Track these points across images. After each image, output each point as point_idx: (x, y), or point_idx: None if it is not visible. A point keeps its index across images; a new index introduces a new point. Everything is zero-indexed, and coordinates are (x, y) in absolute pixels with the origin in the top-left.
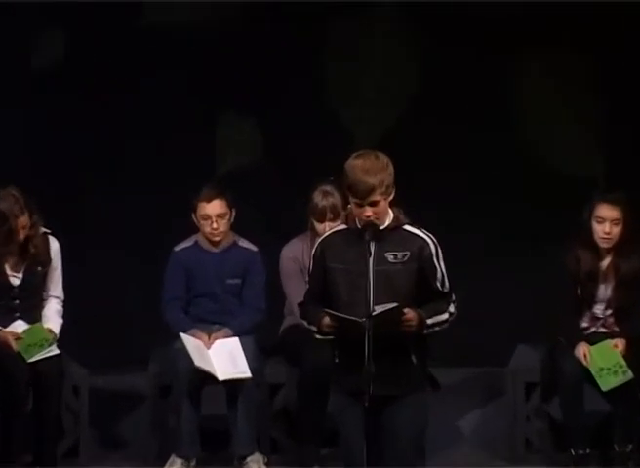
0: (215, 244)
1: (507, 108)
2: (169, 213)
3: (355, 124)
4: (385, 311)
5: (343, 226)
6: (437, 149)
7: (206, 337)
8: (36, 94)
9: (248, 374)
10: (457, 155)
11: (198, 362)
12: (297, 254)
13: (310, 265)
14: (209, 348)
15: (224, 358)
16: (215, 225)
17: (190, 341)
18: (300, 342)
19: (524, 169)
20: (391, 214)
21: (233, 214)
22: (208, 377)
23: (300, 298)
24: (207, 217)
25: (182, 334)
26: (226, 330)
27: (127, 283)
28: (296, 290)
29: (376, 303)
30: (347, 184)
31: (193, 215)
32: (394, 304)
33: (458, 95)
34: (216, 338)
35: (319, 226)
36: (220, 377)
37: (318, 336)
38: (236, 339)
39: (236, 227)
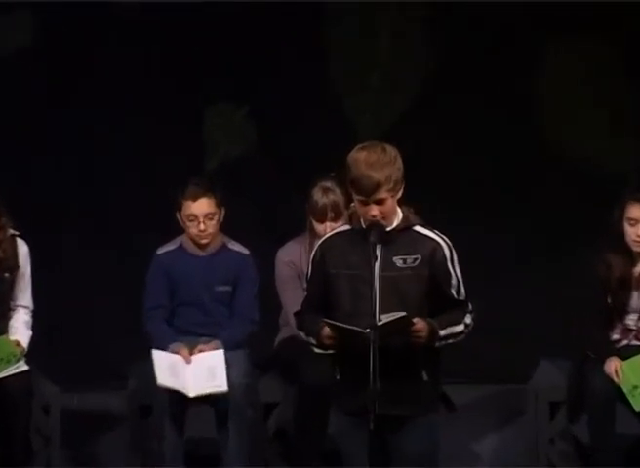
0: (202, 247)
1: (529, 101)
2: (151, 211)
3: (359, 113)
4: (392, 321)
5: (346, 227)
6: (450, 143)
7: (186, 352)
8: (5, 84)
9: (223, 388)
10: (471, 151)
11: (163, 380)
12: (294, 258)
13: (309, 270)
14: (189, 362)
15: (201, 373)
16: (202, 226)
17: (163, 358)
18: (297, 356)
19: (547, 166)
20: (400, 214)
21: (223, 213)
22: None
23: (298, 307)
24: (193, 218)
25: (155, 352)
26: (216, 342)
27: (104, 290)
28: (292, 298)
29: (382, 313)
30: (350, 180)
31: (178, 215)
32: (402, 313)
33: (473, 86)
34: (201, 350)
35: (319, 227)
36: (191, 394)
37: (317, 350)
38: (220, 352)
39: (226, 228)
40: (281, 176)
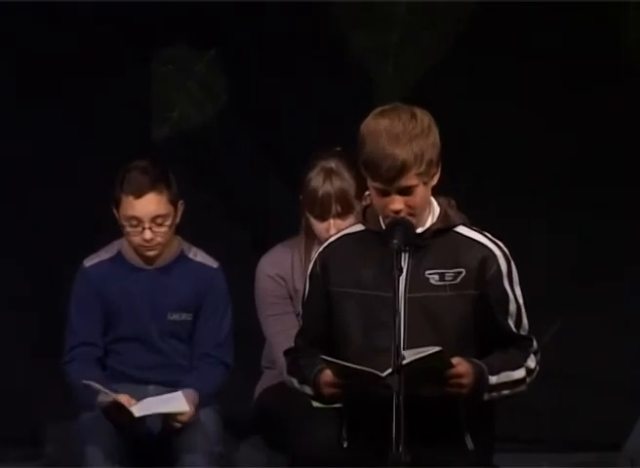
0: (149, 259)
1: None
2: (76, 207)
3: (377, 63)
4: (422, 359)
5: (358, 227)
6: (506, 107)
7: (127, 397)
8: None
9: (184, 409)
10: (533, 118)
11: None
12: (283, 271)
13: (305, 289)
14: (131, 405)
15: (152, 400)
16: (148, 235)
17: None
18: (286, 413)
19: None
20: (436, 209)
21: (180, 210)
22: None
23: (289, 342)
24: (136, 222)
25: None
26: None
27: (8, 320)
28: (280, 328)
29: (410, 349)
30: (364, 159)
31: (115, 212)
32: (436, 348)
33: (537, 27)
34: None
35: (319, 226)
36: (137, 413)
37: (316, 404)
38: (179, 394)
39: (185, 229)
40: (264, 153)
